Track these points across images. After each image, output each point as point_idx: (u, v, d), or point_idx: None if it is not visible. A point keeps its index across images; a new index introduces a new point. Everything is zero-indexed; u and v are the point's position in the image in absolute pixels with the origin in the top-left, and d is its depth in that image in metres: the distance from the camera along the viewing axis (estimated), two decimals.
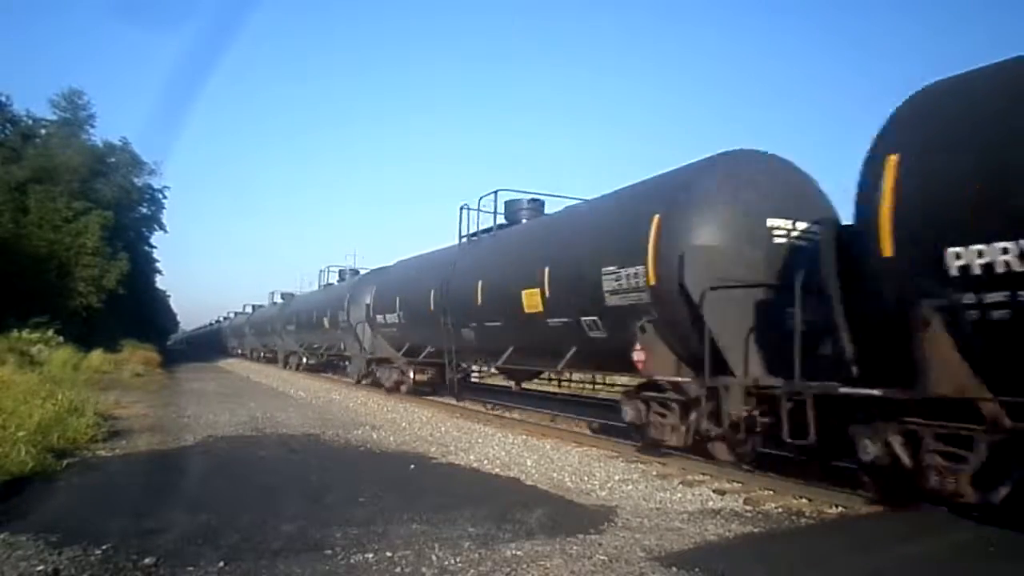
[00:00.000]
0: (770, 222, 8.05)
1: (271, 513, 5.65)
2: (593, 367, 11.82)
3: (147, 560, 4.46)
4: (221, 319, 68.60)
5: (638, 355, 8.50)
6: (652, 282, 8.35)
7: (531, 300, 10.92)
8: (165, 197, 41.10)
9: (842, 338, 6.22)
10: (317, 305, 26.95)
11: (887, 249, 5.57)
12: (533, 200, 13.79)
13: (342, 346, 23.19)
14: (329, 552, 4.71)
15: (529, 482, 7.44)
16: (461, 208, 14.68)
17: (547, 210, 13.63)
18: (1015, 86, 5.31)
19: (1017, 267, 4.81)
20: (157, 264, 50.60)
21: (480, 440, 10.39)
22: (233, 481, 7.38)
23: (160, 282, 60.15)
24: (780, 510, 6.39)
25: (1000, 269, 4.90)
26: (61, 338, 21.51)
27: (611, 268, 8.99)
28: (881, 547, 5.17)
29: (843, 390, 6.19)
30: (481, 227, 14.52)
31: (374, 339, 19.36)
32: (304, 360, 30.17)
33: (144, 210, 40.31)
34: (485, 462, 8.54)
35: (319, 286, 30.11)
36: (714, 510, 6.38)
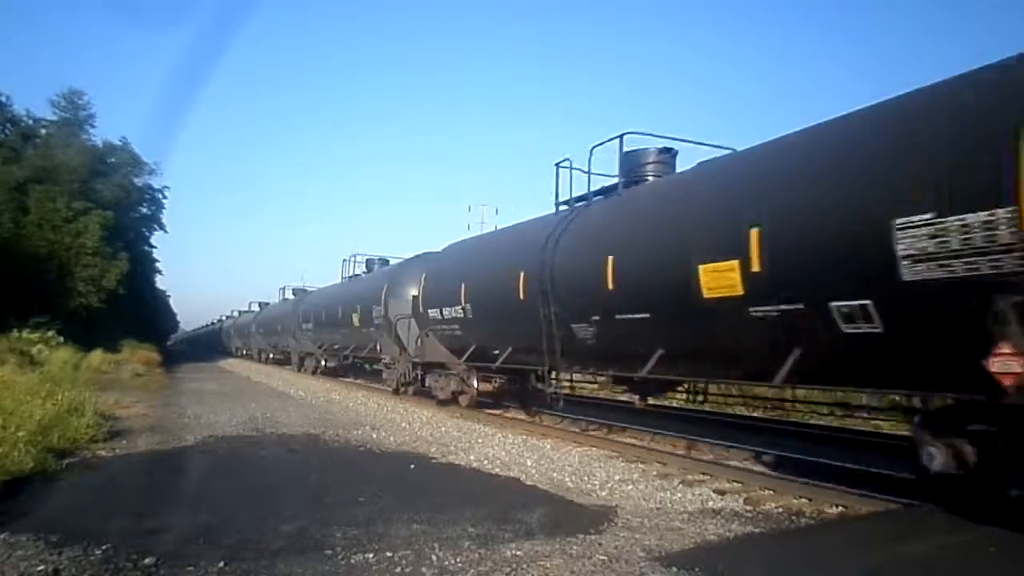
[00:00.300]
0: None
1: (271, 513, 5.66)
2: (830, 379, 7.01)
3: (147, 560, 4.47)
4: (222, 318, 68.55)
5: (1003, 364, 5.12)
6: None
7: (718, 280, 7.33)
8: (165, 197, 41.19)
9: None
10: (341, 299, 22.93)
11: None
12: (665, 150, 10.38)
13: (377, 347, 19.42)
14: (329, 552, 4.71)
15: (529, 482, 7.44)
16: (558, 166, 11.16)
17: (680, 167, 10.22)
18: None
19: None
20: (157, 264, 50.65)
21: (480, 440, 10.39)
22: (233, 481, 7.38)
23: (160, 282, 60.25)
24: (780, 510, 6.40)
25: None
26: (61, 338, 21.53)
27: (918, 218, 5.52)
28: (881, 547, 5.16)
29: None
30: (591, 190, 11.08)
31: (423, 339, 15.78)
32: (323, 363, 26.65)
33: (144, 210, 40.37)
34: (485, 462, 8.54)
35: (341, 278, 25.97)
36: (714, 510, 6.38)
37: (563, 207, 11.27)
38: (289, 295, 35.59)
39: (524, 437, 10.74)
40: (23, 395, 10.02)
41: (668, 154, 10.37)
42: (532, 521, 5.63)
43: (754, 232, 6.83)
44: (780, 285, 6.66)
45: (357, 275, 24.57)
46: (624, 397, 13.10)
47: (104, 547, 4.68)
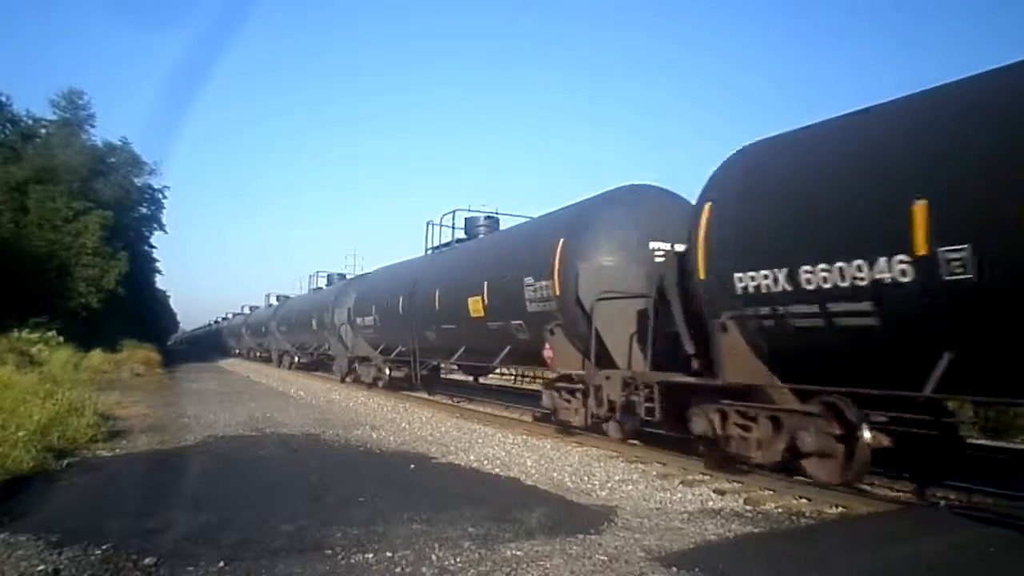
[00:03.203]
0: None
1: (271, 513, 5.66)
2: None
3: (147, 560, 4.47)
4: (221, 319, 68.65)
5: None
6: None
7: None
8: (165, 197, 41.03)
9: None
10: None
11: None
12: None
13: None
14: (329, 552, 4.71)
15: (529, 482, 7.44)
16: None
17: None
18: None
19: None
20: (157, 264, 50.54)
21: (480, 440, 10.39)
22: (233, 481, 7.38)
23: (160, 282, 60.13)
24: (780, 510, 6.40)
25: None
26: (61, 338, 21.51)
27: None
28: (881, 547, 5.17)
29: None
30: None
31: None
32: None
33: (144, 210, 40.22)
34: (485, 462, 8.54)
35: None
36: (714, 510, 6.38)
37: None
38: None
39: (524, 437, 10.74)
40: (23, 395, 10.02)
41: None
42: (532, 521, 5.63)
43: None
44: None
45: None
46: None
47: (104, 547, 4.67)
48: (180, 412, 13.29)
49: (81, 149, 32.68)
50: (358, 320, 20.55)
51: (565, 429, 10.65)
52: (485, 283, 12.60)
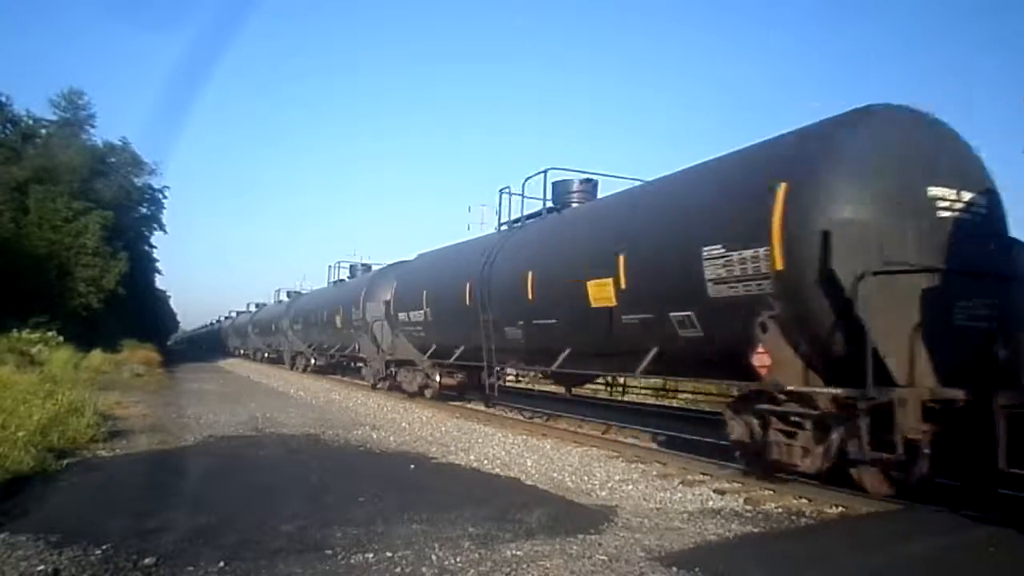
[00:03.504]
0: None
1: (271, 513, 5.66)
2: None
3: (147, 560, 4.46)
4: (222, 319, 68.59)
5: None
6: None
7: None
8: (165, 197, 41.15)
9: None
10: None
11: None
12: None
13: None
14: (329, 552, 4.71)
15: (529, 482, 7.44)
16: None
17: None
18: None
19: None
20: (157, 264, 50.61)
21: (480, 440, 10.39)
22: (233, 481, 7.38)
23: (160, 282, 60.17)
24: (780, 510, 6.39)
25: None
26: (61, 338, 21.51)
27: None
28: (881, 547, 5.16)
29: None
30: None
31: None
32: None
33: (144, 210, 40.32)
34: (485, 462, 8.54)
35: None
36: (714, 510, 6.37)
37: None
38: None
39: (524, 437, 10.74)
40: (23, 395, 10.02)
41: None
42: (532, 521, 5.62)
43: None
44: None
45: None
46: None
47: (104, 547, 4.67)
48: (180, 412, 13.29)
49: (81, 149, 32.73)
50: (401, 315, 16.94)
51: (768, 473, 7.35)
52: (621, 260, 9.04)
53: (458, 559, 4.62)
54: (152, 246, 45.38)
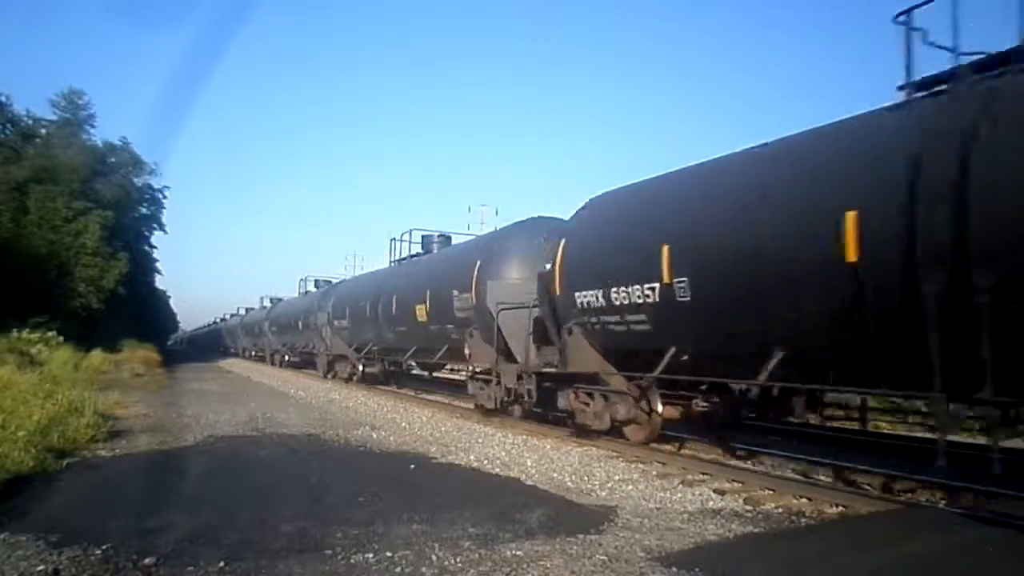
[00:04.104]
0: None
1: (271, 513, 5.66)
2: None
3: (147, 560, 4.47)
4: (220, 320, 68.68)
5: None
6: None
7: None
8: (165, 197, 41.13)
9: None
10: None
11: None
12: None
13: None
14: (329, 552, 4.71)
15: (529, 482, 7.44)
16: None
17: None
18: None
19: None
20: (157, 264, 50.59)
21: (480, 440, 10.39)
22: (233, 481, 7.38)
23: (160, 282, 60.21)
24: (780, 510, 6.39)
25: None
26: (61, 338, 21.50)
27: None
28: (881, 547, 5.16)
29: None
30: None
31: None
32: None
33: (144, 210, 40.29)
34: (485, 462, 8.54)
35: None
36: (714, 510, 6.38)
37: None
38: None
39: (524, 437, 10.74)
40: (23, 395, 10.02)
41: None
42: (532, 521, 5.63)
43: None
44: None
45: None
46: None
47: (104, 547, 4.68)
48: (180, 412, 13.28)
49: (81, 149, 32.73)
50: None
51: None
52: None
53: (458, 559, 4.62)
54: (152, 246, 45.40)
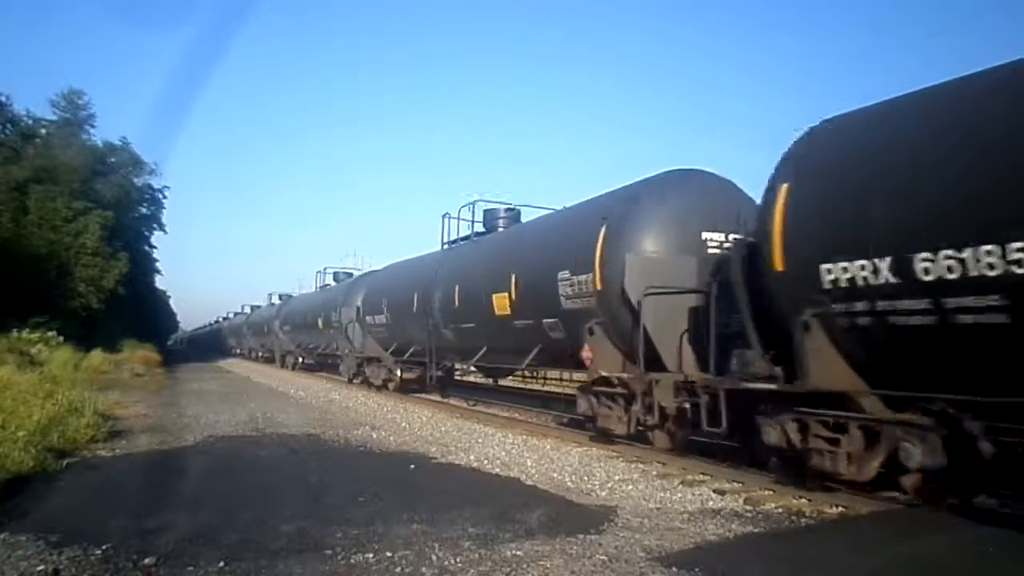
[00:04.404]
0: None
1: (271, 513, 5.66)
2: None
3: (147, 560, 4.47)
4: (221, 319, 68.67)
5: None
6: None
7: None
8: (165, 197, 41.09)
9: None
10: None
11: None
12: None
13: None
14: (329, 552, 4.71)
15: (529, 482, 7.44)
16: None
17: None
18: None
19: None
20: (157, 264, 50.58)
21: (480, 440, 10.39)
22: (233, 481, 7.38)
23: (160, 282, 60.20)
24: (780, 510, 6.39)
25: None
26: (61, 338, 21.49)
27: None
28: (881, 547, 5.17)
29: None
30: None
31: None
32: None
33: (144, 210, 40.27)
34: (485, 462, 8.54)
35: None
36: (714, 510, 6.37)
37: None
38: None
39: (524, 437, 10.74)
40: (23, 395, 10.02)
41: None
42: (532, 521, 5.63)
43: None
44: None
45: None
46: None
47: (104, 547, 4.68)
48: (180, 412, 13.29)
49: (81, 149, 32.71)
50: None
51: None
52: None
53: (458, 559, 4.62)
54: (152, 246, 45.36)
